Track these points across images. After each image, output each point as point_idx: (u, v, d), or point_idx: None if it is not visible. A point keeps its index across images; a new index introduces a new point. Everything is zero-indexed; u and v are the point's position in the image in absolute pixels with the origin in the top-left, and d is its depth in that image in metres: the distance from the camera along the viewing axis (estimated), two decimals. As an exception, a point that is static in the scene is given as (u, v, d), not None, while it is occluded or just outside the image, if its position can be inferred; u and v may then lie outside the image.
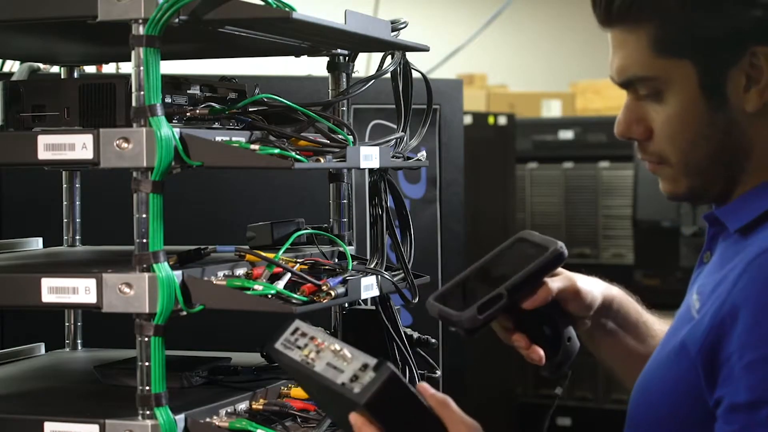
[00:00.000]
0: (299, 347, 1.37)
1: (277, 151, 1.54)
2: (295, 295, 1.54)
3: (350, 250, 1.91)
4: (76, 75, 2.11)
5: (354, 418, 1.33)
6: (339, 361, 1.34)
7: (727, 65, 1.38)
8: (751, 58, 1.37)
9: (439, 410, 1.36)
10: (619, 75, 1.44)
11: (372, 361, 1.31)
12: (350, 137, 1.73)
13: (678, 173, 1.44)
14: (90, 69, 2.43)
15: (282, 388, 1.72)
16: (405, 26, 1.86)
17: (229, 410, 1.61)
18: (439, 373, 1.98)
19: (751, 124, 1.39)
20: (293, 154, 1.55)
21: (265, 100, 1.71)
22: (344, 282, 1.66)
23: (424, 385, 1.39)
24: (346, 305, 1.94)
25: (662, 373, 1.40)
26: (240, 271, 1.62)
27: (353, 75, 1.97)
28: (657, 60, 1.40)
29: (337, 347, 1.34)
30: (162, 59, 1.50)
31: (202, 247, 1.61)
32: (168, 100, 1.61)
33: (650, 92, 1.42)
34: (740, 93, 1.38)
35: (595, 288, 1.62)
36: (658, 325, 1.67)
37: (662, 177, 1.47)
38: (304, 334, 1.38)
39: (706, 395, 1.32)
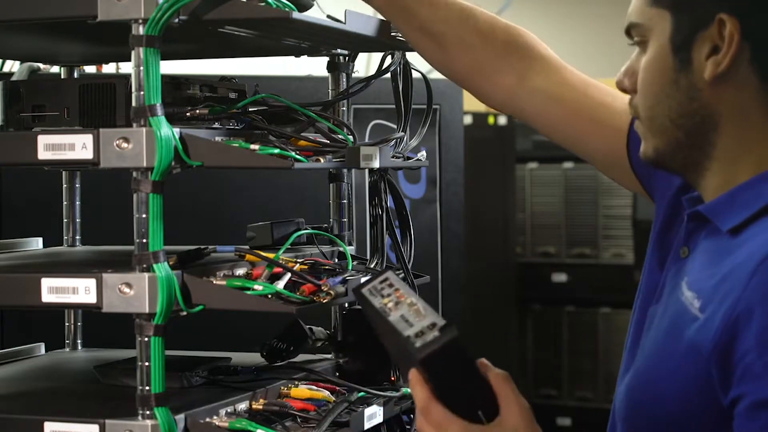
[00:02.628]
0: (382, 296, 1.40)
1: (277, 151, 1.54)
2: (295, 295, 1.54)
3: (350, 250, 1.91)
4: (76, 75, 2.11)
5: (412, 374, 1.36)
6: (412, 315, 1.37)
7: (697, 27, 1.41)
8: (720, 27, 1.39)
9: (497, 383, 1.37)
10: (626, 22, 1.50)
11: (441, 322, 1.34)
12: (350, 137, 1.73)
13: (646, 130, 1.48)
14: (90, 69, 2.43)
15: (282, 388, 1.72)
16: (405, 26, 1.86)
17: (229, 410, 1.61)
18: (439, 372, 1.98)
19: (712, 95, 1.41)
20: (293, 154, 1.55)
21: (265, 100, 1.71)
22: (344, 282, 1.66)
23: (484, 361, 1.39)
24: (346, 305, 1.94)
25: (669, 372, 1.39)
26: (240, 271, 1.62)
27: (353, 75, 1.97)
28: (648, 8, 1.46)
29: (414, 301, 1.38)
30: (162, 59, 1.50)
31: (202, 247, 1.61)
32: (168, 100, 1.61)
33: (639, 40, 1.48)
34: (702, 59, 1.41)
35: None
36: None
37: (640, 135, 1.50)
38: (390, 285, 1.42)
39: (719, 394, 1.32)
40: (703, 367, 1.33)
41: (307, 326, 1.91)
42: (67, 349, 2.13)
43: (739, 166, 1.43)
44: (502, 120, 5.19)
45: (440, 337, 1.33)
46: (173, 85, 1.64)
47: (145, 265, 1.50)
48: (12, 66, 2.15)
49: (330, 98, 1.94)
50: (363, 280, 1.50)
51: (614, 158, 1.69)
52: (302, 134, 1.67)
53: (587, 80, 1.77)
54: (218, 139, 1.56)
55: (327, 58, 1.96)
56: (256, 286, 1.54)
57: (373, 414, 1.76)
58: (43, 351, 2.12)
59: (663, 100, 1.44)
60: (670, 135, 1.45)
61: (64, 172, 2.13)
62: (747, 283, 1.30)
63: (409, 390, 1.60)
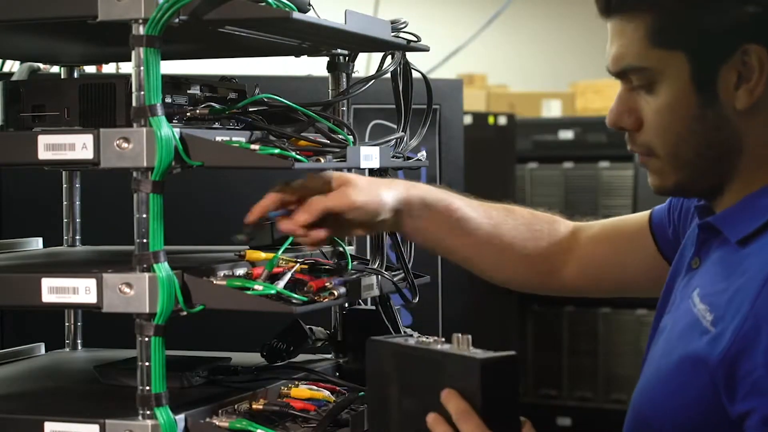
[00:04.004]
0: (411, 341, 1.44)
1: (277, 151, 1.54)
2: (295, 295, 1.54)
3: (350, 250, 1.91)
4: (76, 75, 2.11)
5: (448, 392, 1.34)
6: (462, 346, 1.38)
7: (720, 61, 1.38)
8: (743, 56, 1.38)
9: (525, 426, 1.39)
10: (615, 64, 1.45)
11: (492, 352, 1.36)
12: (350, 137, 1.73)
13: (666, 166, 1.45)
14: (90, 69, 2.43)
15: (282, 388, 1.72)
16: (405, 26, 1.86)
17: (229, 410, 1.61)
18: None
19: (741, 122, 1.40)
20: (293, 154, 1.55)
21: (265, 100, 1.71)
22: (344, 282, 1.66)
23: None
24: (346, 305, 1.94)
25: (674, 383, 1.40)
26: (240, 271, 1.62)
27: (353, 75, 1.97)
28: (652, 51, 1.41)
29: (462, 338, 1.39)
30: (162, 59, 1.50)
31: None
32: (168, 100, 1.61)
33: (643, 83, 1.43)
34: (731, 90, 1.39)
35: (383, 196, 1.66)
36: (479, 218, 1.76)
37: (651, 170, 1.48)
38: (414, 336, 1.47)
39: (727, 407, 1.32)
40: (708, 379, 1.33)
41: (307, 326, 1.91)
42: (67, 349, 2.13)
43: (756, 181, 1.42)
44: (502, 120, 5.19)
45: (500, 353, 1.35)
46: (173, 85, 1.64)
47: (145, 265, 1.50)
48: (12, 66, 2.15)
49: (330, 98, 1.94)
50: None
51: (656, 271, 1.68)
52: (302, 134, 1.67)
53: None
54: (218, 139, 1.56)
55: (327, 58, 1.96)
56: (256, 286, 1.54)
57: (373, 414, 1.76)
58: (43, 351, 2.12)
59: (687, 137, 1.41)
60: (696, 167, 1.43)
61: (64, 172, 2.13)
62: (755, 300, 1.30)
63: None
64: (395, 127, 1.93)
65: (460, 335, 1.39)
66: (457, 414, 1.33)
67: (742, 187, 1.43)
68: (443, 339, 1.43)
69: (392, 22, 1.84)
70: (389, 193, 1.67)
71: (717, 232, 1.45)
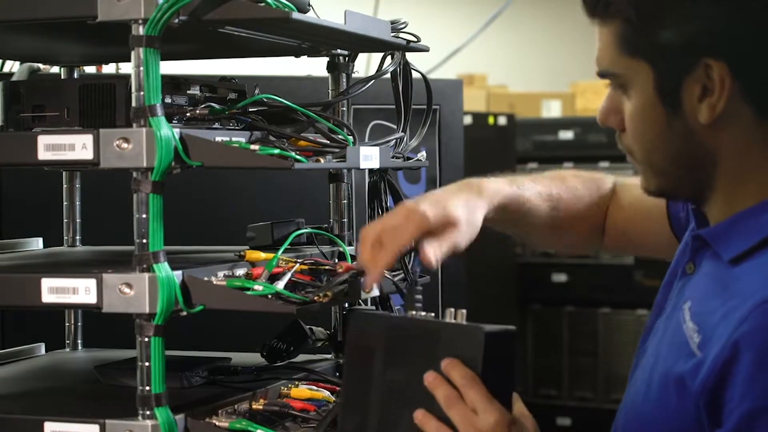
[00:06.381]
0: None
1: (277, 151, 1.54)
2: (295, 295, 1.55)
3: (350, 250, 1.91)
4: (76, 75, 2.11)
5: (449, 361, 1.36)
6: (458, 320, 1.39)
7: (683, 73, 1.38)
8: (706, 70, 1.37)
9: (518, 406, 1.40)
10: (597, 65, 1.47)
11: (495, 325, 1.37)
12: (350, 137, 1.73)
13: (645, 170, 1.47)
14: (90, 69, 2.43)
15: (282, 388, 1.72)
16: (405, 26, 1.87)
17: (229, 410, 1.61)
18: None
19: (708, 134, 1.39)
20: (293, 154, 1.55)
21: (265, 100, 1.71)
22: (344, 282, 1.66)
23: None
24: (346, 305, 1.94)
25: (659, 401, 1.40)
26: (240, 271, 1.62)
27: (353, 75, 1.97)
28: (621, 58, 1.42)
29: (458, 312, 1.40)
30: (162, 59, 1.50)
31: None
32: (168, 100, 1.61)
33: (618, 86, 1.45)
34: (695, 102, 1.38)
35: (474, 220, 1.66)
36: (542, 206, 1.78)
37: (638, 171, 1.50)
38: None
39: (707, 430, 1.33)
40: (691, 403, 1.34)
41: (307, 326, 1.91)
42: (67, 349, 2.13)
43: (740, 194, 1.42)
44: (502, 120, 5.19)
45: (501, 326, 1.35)
46: (173, 85, 1.64)
47: (145, 265, 1.50)
48: (12, 66, 2.15)
49: (330, 98, 1.94)
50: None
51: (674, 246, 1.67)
52: (302, 134, 1.67)
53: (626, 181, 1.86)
54: (218, 139, 1.56)
55: (327, 59, 1.96)
56: (256, 287, 1.54)
57: (373, 414, 1.76)
58: (43, 351, 2.12)
59: (659, 145, 1.42)
60: (672, 174, 1.44)
61: (64, 172, 2.13)
62: (738, 326, 1.30)
63: None
64: (395, 127, 1.93)
65: (453, 309, 1.41)
66: (462, 380, 1.35)
67: (727, 199, 1.43)
68: (432, 314, 1.43)
69: (392, 23, 1.85)
70: (480, 217, 1.68)
71: (709, 245, 1.45)
